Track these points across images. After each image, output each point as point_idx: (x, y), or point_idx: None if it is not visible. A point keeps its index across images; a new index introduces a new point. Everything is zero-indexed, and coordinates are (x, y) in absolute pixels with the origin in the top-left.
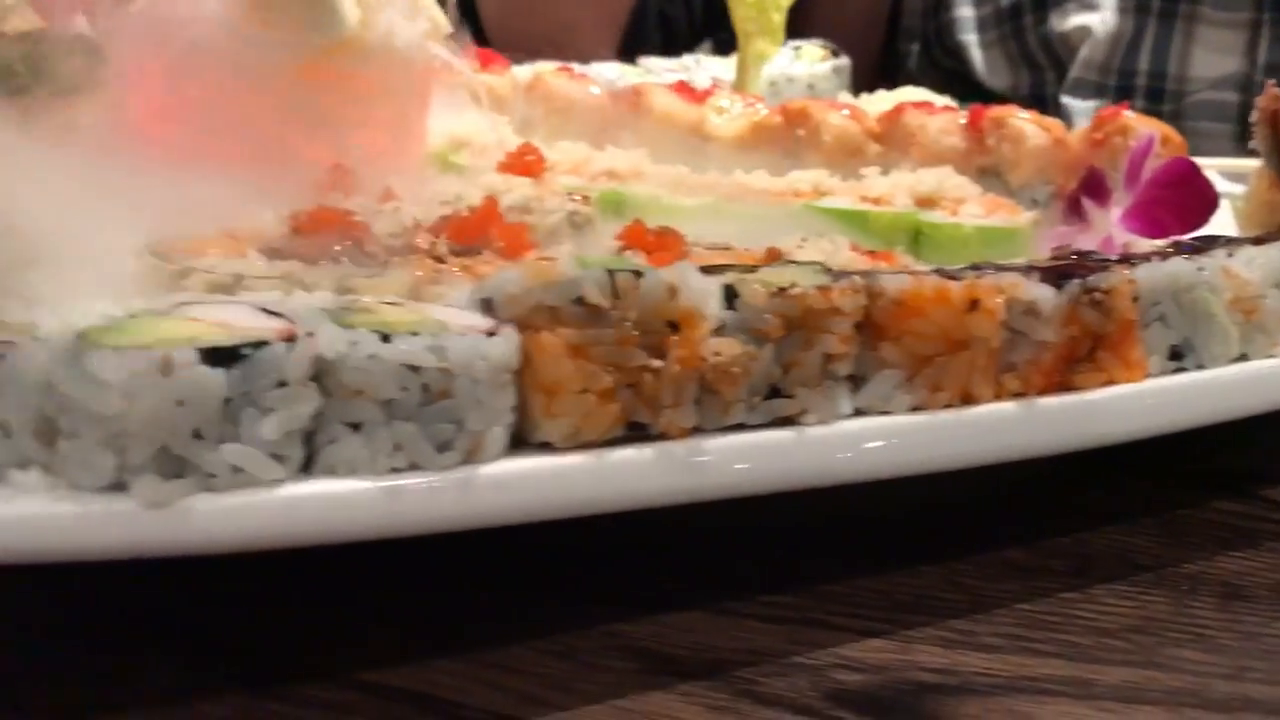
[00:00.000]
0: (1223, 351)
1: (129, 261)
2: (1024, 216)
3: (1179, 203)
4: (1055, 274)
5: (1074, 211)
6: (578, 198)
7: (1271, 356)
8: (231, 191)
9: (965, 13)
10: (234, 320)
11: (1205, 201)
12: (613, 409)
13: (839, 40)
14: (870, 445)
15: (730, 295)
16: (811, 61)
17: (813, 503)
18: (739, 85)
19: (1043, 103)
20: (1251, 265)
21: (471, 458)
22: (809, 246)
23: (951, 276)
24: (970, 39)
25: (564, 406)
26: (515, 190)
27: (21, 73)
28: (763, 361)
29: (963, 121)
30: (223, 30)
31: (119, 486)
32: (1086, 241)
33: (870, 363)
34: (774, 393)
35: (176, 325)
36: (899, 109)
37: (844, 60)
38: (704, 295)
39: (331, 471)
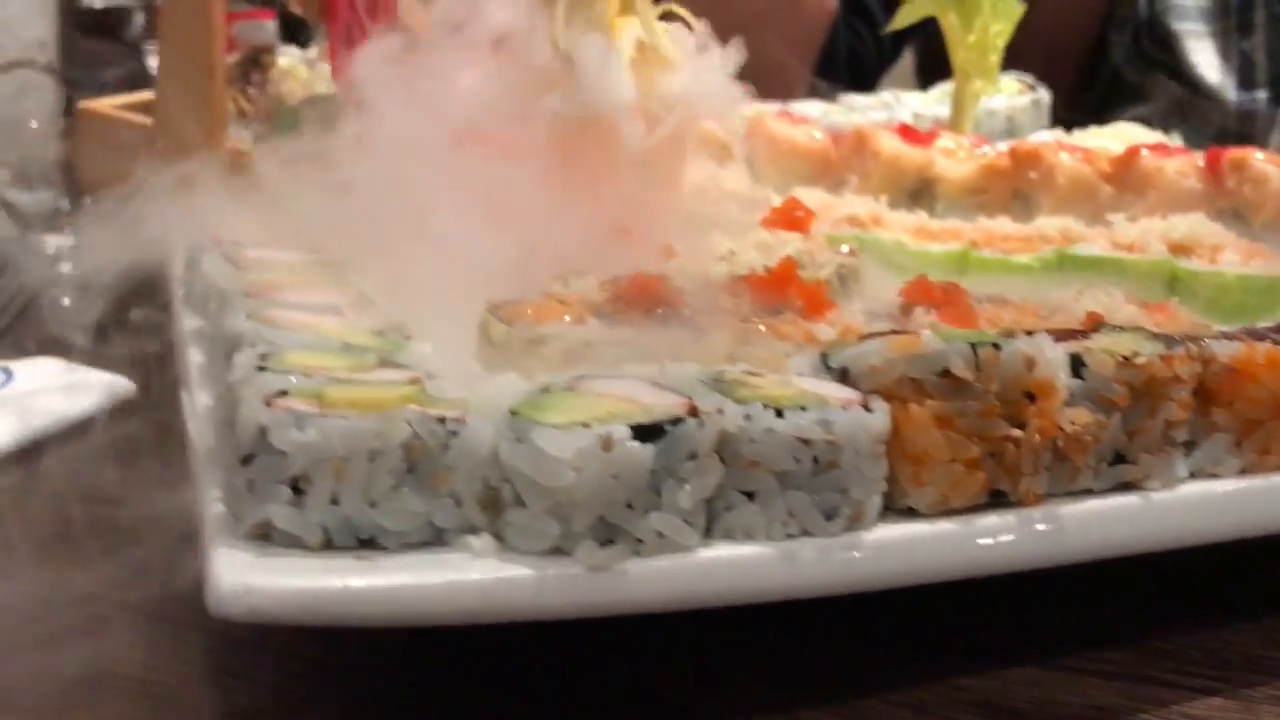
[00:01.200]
0: None
1: (475, 325)
2: None
3: None
4: None
5: None
6: (845, 249)
7: None
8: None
9: (1185, 0)
10: (635, 395)
11: None
12: (979, 478)
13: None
14: (1213, 510)
15: (1077, 364)
16: (1010, 95)
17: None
18: (955, 125)
19: (1251, 114)
20: None
21: (854, 524)
22: (1086, 298)
23: (1272, 339)
24: (1185, 28)
25: (932, 475)
26: (786, 245)
27: (304, 129)
28: (1111, 429)
29: (1200, 164)
30: (507, 98)
31: (557, 552)
32: None
33: (1202, 427)
34: (1118, 458)
35: (594, 402)
36: (1133, 152)
37: (1043, 94)
38: (1057, 366)
39: (729, 536)
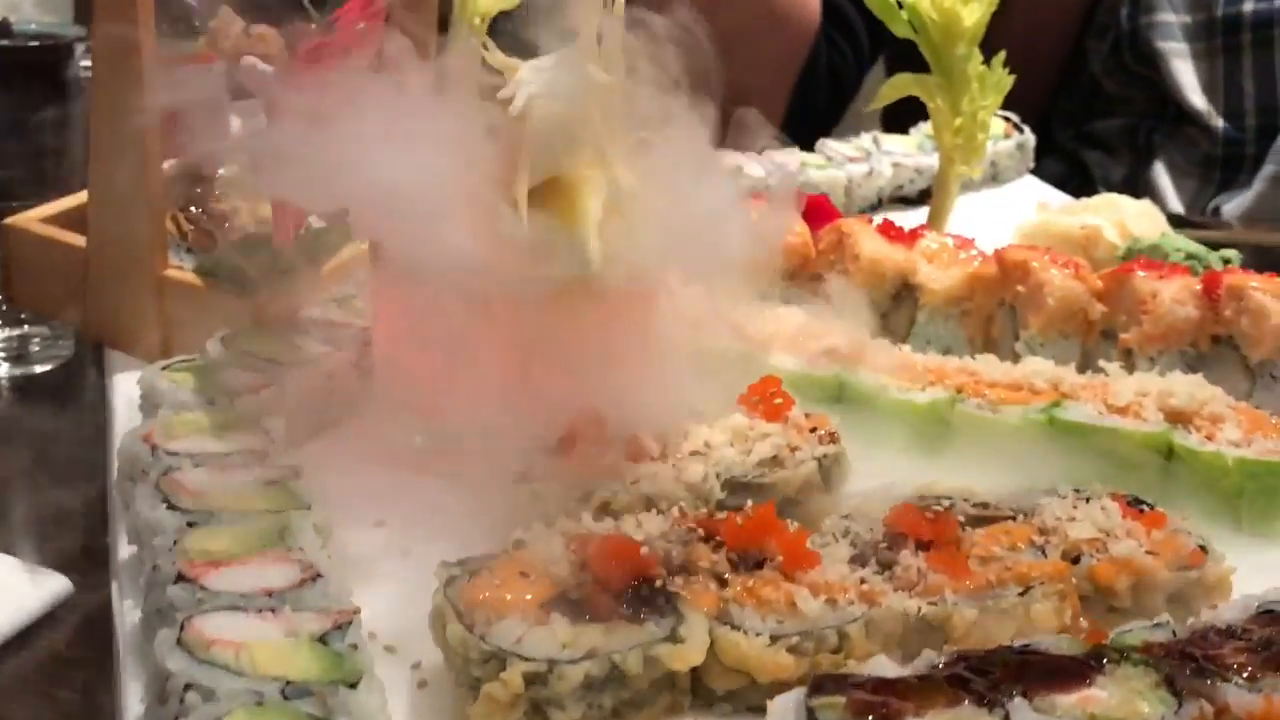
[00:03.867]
0: None
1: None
2: None
3: None
4: None
5: None
6: (823, 433)
7: None
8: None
9: (1168, 17)
10: None
11: None
12: None
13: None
14: None
15: None
16: (995, 139)
17: None
18: (936, 218)
19: (1239, 141)
20: None
21: None
22: (1081, 517)
23: None
24: (1169, 47)
25: None
26: (766, 439)
27: (249, 275)
28: None
29: (1197, 289)
30: (474, 269)
31: None
32: None
33: None
34: None
35: None
36: (1127, 270)
37: (1027, 136)
38: None
39: None
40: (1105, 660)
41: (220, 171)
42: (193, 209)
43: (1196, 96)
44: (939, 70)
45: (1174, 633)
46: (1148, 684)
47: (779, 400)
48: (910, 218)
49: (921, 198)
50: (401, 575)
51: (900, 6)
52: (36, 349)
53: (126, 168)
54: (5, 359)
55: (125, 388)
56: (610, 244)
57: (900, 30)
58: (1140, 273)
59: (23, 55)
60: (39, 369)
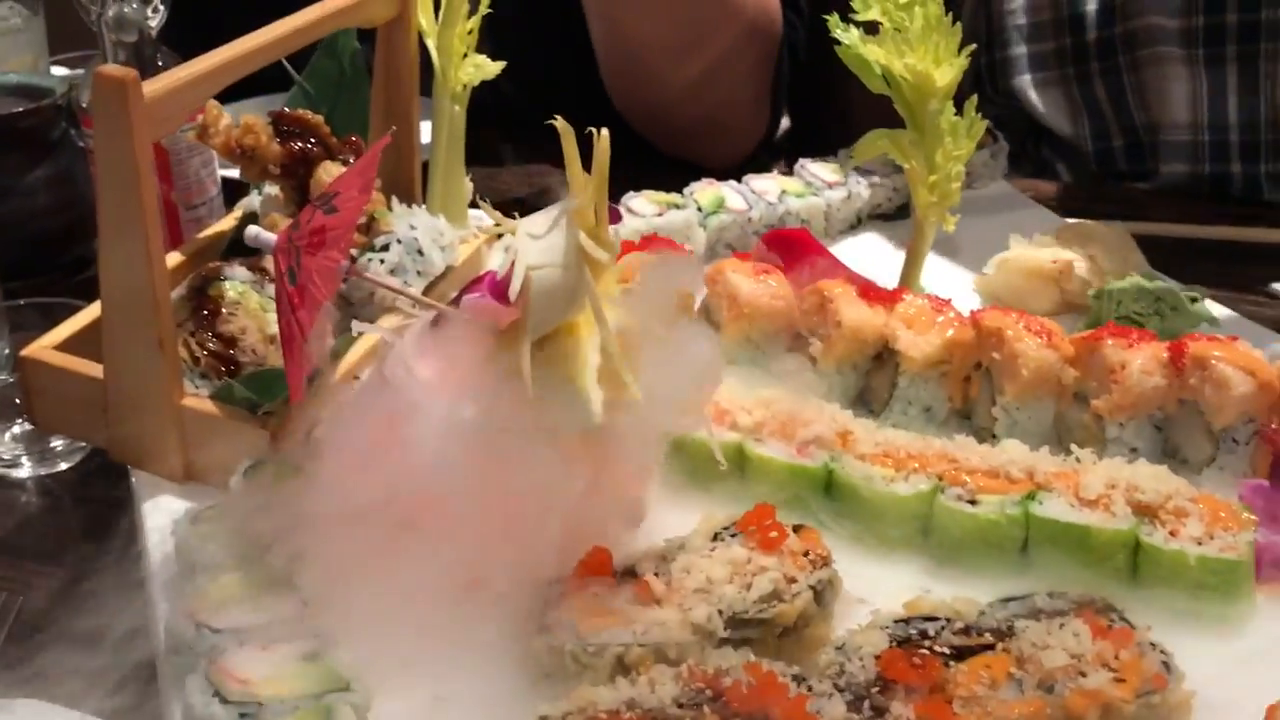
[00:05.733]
0: None
1: None
2: (1242, 541)
3: None
4: None
5: (1276, 474)
6: (815, 556)
7: None
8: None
9: (1019, 50)
10: None
11: None
12: None
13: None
14: None
15: None
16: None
17: None
18: (912, 266)
19: (1109, 156)
20: None
21: None
22: (1054, 644)
23: None
24: (1025, 79)
25: None
26: (765, 574)
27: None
28: None
29: (1164, 357)
30: (481, 421)
31: None
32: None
33: None
34: None
35: None
36: (1097, 337)
37: (1002, 144)
38: None
39: None
40: None
41: (227, 290)
42: (203, 332)
43: (1063, 122)
44: (913, 126)
45: None
46: None
47: (774, 534)
48: (892, 235)
49: (900, 213)
50: None
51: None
52: (60, 447)
53: (137, 308)
54: (29, 460)
55: (155, 516)
56: (610, 392)
57: (875, 86)
58: (1109, 341)
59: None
60: (63, 465)
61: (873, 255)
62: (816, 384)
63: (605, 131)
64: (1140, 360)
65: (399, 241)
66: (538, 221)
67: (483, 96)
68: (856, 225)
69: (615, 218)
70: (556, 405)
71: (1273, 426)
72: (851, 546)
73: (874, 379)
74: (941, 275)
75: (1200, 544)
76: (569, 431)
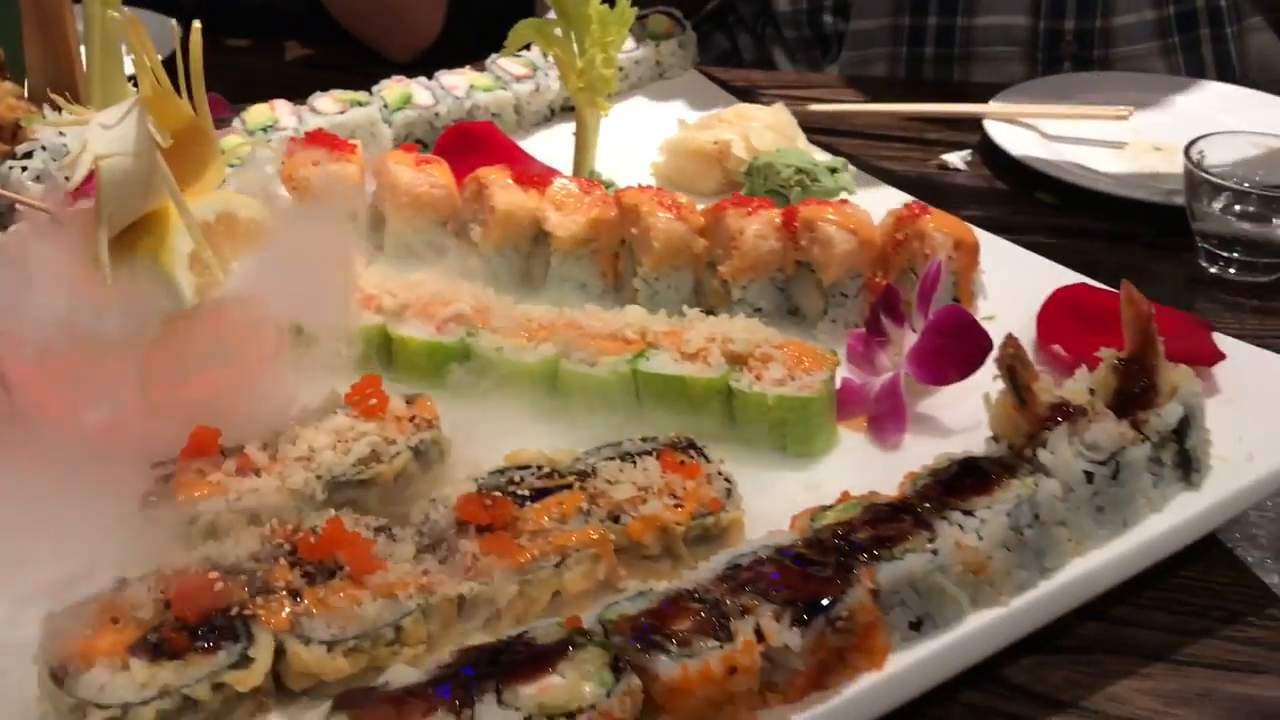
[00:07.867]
0: (954, 614)
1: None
2: (819, 380)
3: (957, 352)
4: (803, 611)
5: (875, 326)
6: (420, 419)
7: (998, 604)
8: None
9: None
10: None
11: (979, 349)
12: None
13: None
14: None
15: None
16: (658, 40)
17: None
18: (581, 158)
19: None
20: (983, 529)
21: None
22: (624, 479)
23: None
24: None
25: None
26: (363, 438)
27: None
28: None
29: (778, 223)
30: (75, 309)
31: None
32: (882, 359)
33: None
34: None
35: None
36: (720, 208)
37: (690, 34)
38: None
39: None
40: (572, 645)
41: None
42: None
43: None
44: (561, 15)
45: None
46: (598, 665)
47: (374, 400)
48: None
49: None
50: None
51: None
52: None
53: None
54: None
55: None
56: (208, 272)
57: None
58: (731, 210)
59: None
60: None
61: (566, 147)
62: (480, 269)
63: (197, 24)
64: (756, 226)
65: (44, 148)
66: (112, 113)
67: None
68: (550, 118)
69: (219, 108)
70: (146, 290)
71: (876, 279)
72: (488, 416)
73: (533, 261)
74: (624, 161)
75: (781, 385)
76: (161, 314)
